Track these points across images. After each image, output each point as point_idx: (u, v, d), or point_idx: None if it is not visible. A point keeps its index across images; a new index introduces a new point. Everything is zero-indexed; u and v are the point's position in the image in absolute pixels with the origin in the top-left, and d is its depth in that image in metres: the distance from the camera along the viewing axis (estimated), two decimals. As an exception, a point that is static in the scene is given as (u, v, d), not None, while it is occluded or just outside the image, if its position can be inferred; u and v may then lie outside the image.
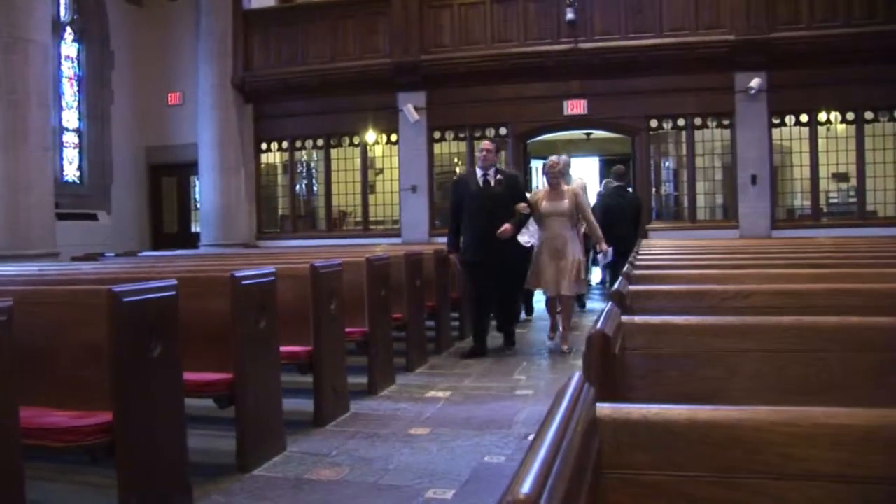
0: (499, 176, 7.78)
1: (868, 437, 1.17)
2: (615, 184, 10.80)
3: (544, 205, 7.93)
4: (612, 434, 1.24)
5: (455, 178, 9.68)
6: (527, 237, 8.60)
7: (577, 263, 7.83)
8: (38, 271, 6.23)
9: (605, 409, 1.25)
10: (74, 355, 3.58)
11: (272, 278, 4.70)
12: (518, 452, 4.51)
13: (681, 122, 12.55)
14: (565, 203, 7.89)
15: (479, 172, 7.85)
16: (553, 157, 8.36)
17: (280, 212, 14.64)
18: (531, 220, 8.44)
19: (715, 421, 1.23)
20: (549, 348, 8.26)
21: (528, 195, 8.13)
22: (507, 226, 7.47)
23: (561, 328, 8.18)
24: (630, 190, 11.29)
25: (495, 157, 8.13)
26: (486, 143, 8.03)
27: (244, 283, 4.38)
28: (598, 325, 1.88)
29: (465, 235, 7.88)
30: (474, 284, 7.92)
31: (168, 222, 15.63)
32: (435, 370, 7.12)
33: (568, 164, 9.58)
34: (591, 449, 1.17)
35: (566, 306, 8.08)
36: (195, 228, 14.87)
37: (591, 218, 8.29)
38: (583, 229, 8.92)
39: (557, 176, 8.03)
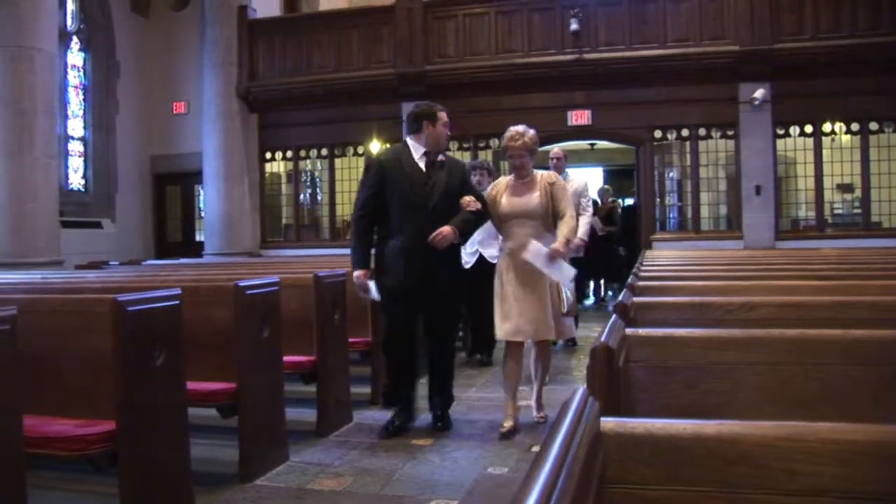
0: (440, 159, 5.32)
1: (875, 454, 1.17)
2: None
3: (505, 201, 5.33)
4: (617, 448, 1.23)
5: (377, 155, 6.14)
6: (494, 250, 6.60)
7: (556, 288, 5.26)
8: (42, 279, 6.23)
9: (609, 423, 1.25)
10: (78, 364, 3.58)
11: (276, 288, 4.70)
12: (521, 463, 4.50)
13: (685, 132, 12.53)
14: (535, 198, 5.26)
15: (415, 148, 5.31)
16: (518, 127, 5.42)
17: (284, 221, 14.64)
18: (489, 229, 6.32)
19: (720, 436, 1.23)
20: (503, 434, 5.15)
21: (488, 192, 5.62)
22: (445, 229, 5.03)
23: (535, 387, 5.61)
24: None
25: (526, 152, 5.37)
26: (442, 114, 5.41)
27: (248, 292, 4.38)
28: (602, 338, 1.88)
29: (385, 244, 5.27)
30: (394, 321, 5.29)
31: (172, 231, 15.64)
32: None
33: (563, 159, 8.38)
34: (596, 463, 1.16)
35: (542, 353, 5.52)
36: (199, 237, 14.88)
37: (572, 212, 5.32)
38: (581, 231, 7.38)
39: (523, 155, 5.32)
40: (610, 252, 12.53)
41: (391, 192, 5.20)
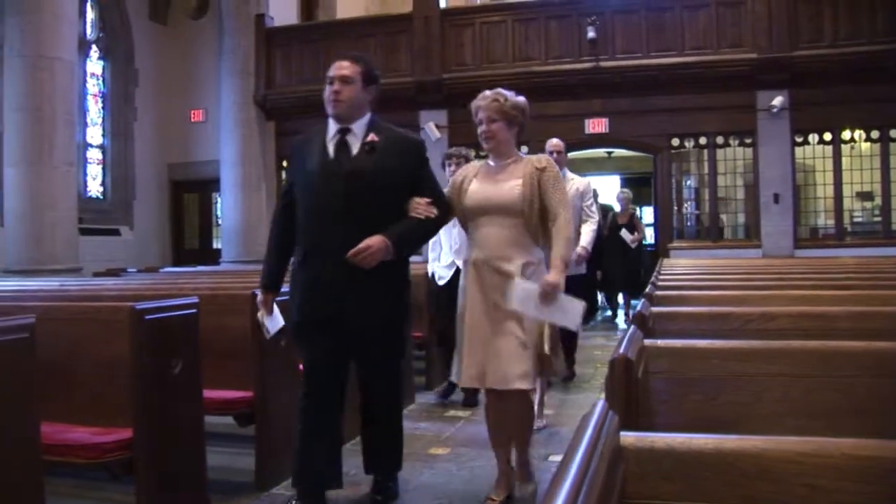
0: (372, 136, 3.78)
1: (899, 470, 1.15)
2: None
3: (473, 190, 3.92)
4: (637, 463, 1.22)
5: (296, 140, 4.19)
6: (454, 257, 6.06)
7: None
8: (60, 287, 6.27)
9: (629, 437, 1.24)
10: (96, 372, 3.59)
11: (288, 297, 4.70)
12: (538, 473, 4.48)
13: (703, 140, 12.50)
14: (514, 187, 3.84)
15: (331, 127, 3.86)
16: (487, 92, 4.06)
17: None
18: (456, 234, 5.68)
19: (741, 450, 1.21)
20: None
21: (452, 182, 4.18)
22: (369, 241, 3.58)
23: (515, 460, 4.10)
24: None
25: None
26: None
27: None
28: (621, 349, 1.87)
29: (296, 260, 3.92)
30: (309, 370, 3.91)
31: (189, 238, 15.72)
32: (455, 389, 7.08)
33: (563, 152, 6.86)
34: (616, 478, 1.15)
35: (517, 407, 3.95)
36: (216, 245, 14.93)
37: (568, 215, 3.85)
38: (584, 239, 6.56)
39: (495, 120, 3.92)
40: (635, 262, 11.78)
41: (298, 188, 3.87)
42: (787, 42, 11.82)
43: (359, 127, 3.81)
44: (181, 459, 3.59)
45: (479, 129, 3.92)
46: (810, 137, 12.17)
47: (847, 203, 12.27)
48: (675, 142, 12.57)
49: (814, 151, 12.33)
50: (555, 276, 3.67)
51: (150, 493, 3.34)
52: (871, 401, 1.97)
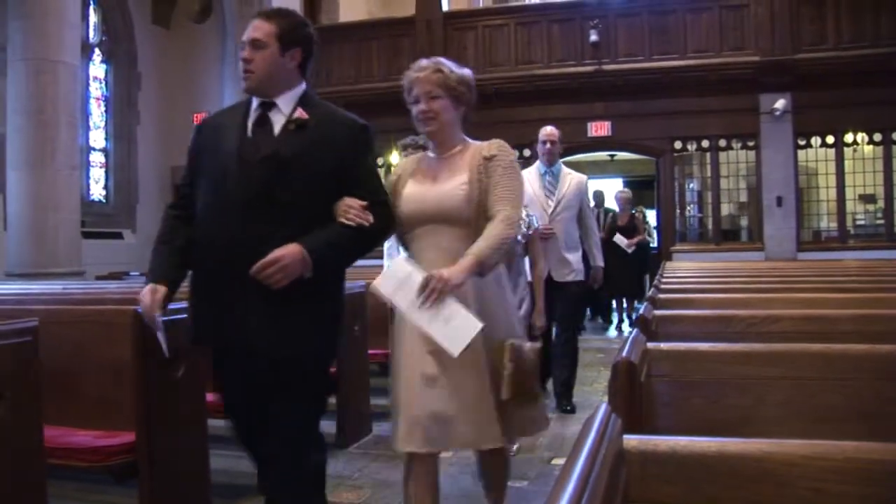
0: (301, 113, 2.92)
1: (903, 473, 1.15)
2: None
3: (408, 193, 3.13)
4: (640, 466, 1.22)
5: (206, 118, 3.39)
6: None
7: (506, 350, 2.91)
8: (63, 290, 6.27)
9: (632, 440, 1.24)
10: (98, 375, 3.60)
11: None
12: (542, 476, 4.48)
13: (705, 143, 12.50)
14: (459, 187, 3.03)
15: (254, 102, 3.02)
16: (424, 62, 3.20)
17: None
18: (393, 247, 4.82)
19: (745, 453, 1.21)
20: None
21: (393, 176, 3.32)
22: (280, 252, 2.70)
23: None
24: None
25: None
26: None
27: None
28: (624, 353, 1.87)
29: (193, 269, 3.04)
30: (225, 404, 3.19)
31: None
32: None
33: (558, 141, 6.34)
34: (619, 481, 1.15)
35: (492, 465, 3.37)
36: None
37: (507, 214, 2.96)
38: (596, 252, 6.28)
39: (436, 97, 3.08)
40: (638, 266, 11.41)
41: (202, 176, 3.00)
42: (790, 45, 11.83)
43: (286, 101, 2.93)
44: (184, 463, 3.58)
45: (415, 110, 3.08)
46: (813, 140, 12.18)
47: (850, 206, 12.27)
48: (678, 145, 12.57)
49: (816, 154, 12.34)
50: (456, 271, 2.73)
51: (154, 496, 3.34)
52: (875, 404, 1.96)
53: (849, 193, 12.22)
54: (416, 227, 3.06)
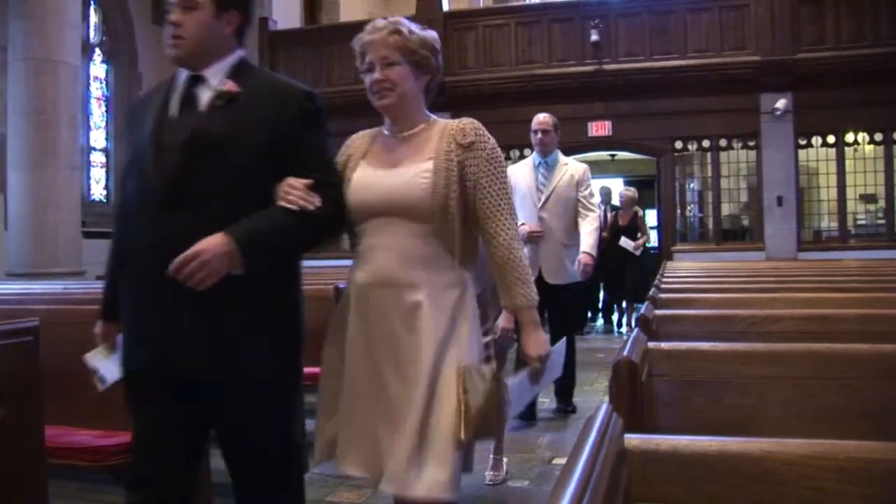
0: (229, 84, 2.41)
1: (905, 473, 1.15)
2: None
3: (357, 178, 2.52)
4: (641, 465, 1.22)
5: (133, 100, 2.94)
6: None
7: (458, 378, 2.33)
8: (64, 290, 6.27)
9: (633, 440, 1.24)
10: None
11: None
12: (542, 476, 4.48)
13: (706, 143, 12.49)
14: (421, 171, 2.45)
15: (180, 76, 2.52)
16: (380, 22, 2.64)
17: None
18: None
19: (746, 453, 1.21)
20: None
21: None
22: (201, 245, 2.18)
23: None
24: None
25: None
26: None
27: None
28: (626, 352, 1.87)
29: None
30: (134, 449, 2.47)
31: (193, 241, 15.70)
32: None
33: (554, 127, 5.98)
34: (620, 481, 1.15)
35: None
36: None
37: (509, 228, 2.48)
38: (590, 241, 5.63)
39: (392, 64, 2.51)
40: (640, 266, 10.89)
41: (127, 165, 2.56)
42: (791, 44, 11.82)
43: (215, 73, 2.45)
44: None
45: (369, 80, 2.54)
46: (814, 140, 12.16)
47: (850, 206, 12.26)
48: (679, 144, 12.56)
49: (817, 154, 12.32)
50: (539, 341, 2.51)
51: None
52: (875, 403, 1.96)
53: (849, 193, 12.20)
54: (365, 221, 2.48)
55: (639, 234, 10.99)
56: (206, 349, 2.31)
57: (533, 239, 5.49)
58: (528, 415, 5.63)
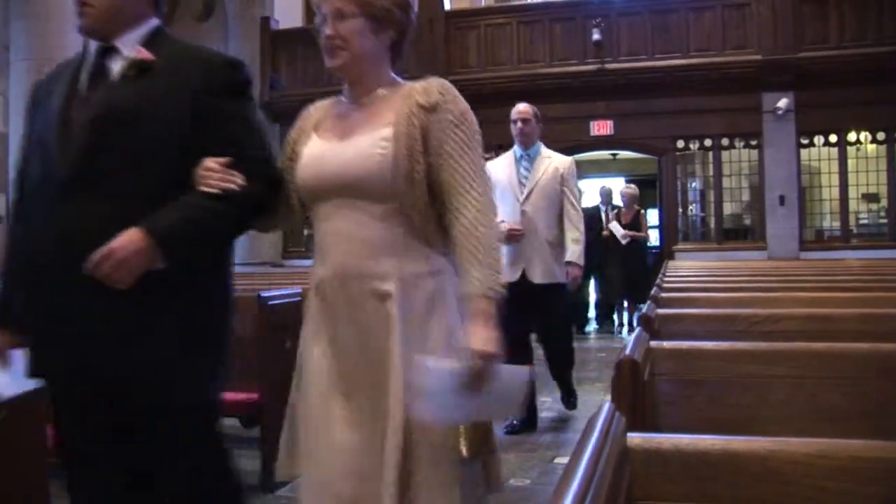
0: (142, 52, 2.17)
1: (908, 472, 1.15)
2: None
3: (308, 153, 2.17)
4: (644, 465, 1.22)
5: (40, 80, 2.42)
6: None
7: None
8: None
9: (636, 438, 1.24)
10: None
11: (298, 299, 4.70)
12: (544, 475, 4.48)
13: (707, 142, 12.48)
14: (377, 145, 2.04)
15: (91, 48, 2.24)
16: None
17: (306, 231, 14.66)
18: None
19: (749, 452, 1.21)
20: None
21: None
22: (116, 242, 1.96)
23: None
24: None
25: None
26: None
27: (271, 303, 4.39)
28: (628, 351, 1.87)
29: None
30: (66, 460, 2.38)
31: (195, 240, 15.69)
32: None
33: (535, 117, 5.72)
34: (623, 480, 1.15)
35: None
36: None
37: (479, 200, 2.02)
38: (577, 249, 5.30)
39: (345, 16, 2.12)
40: (637, 263, 10.70)
41: (30, 149, 2.29)
42: (793, 44, 11.81)
43: (128, 43, 2.19)
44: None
45: (322, 37, 2.22)
46: (816, 139, 12.15)
47: (853, 205, 12.24)
48: (680, 144, 12.55)
49: (819, 153, 12.31)
50: (484, 337, 1.92)
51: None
52: (878, 403, 1.96)
53: (852, 192, 12.19)
54: (317, 205, 2.12)
55: (641, 229, 10.89)
56: (110, 349, 2.08)
57: (513, 238, 5.09)
58: (529, 422, 5.39)
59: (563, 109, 12.40)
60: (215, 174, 2.07)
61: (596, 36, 12.31)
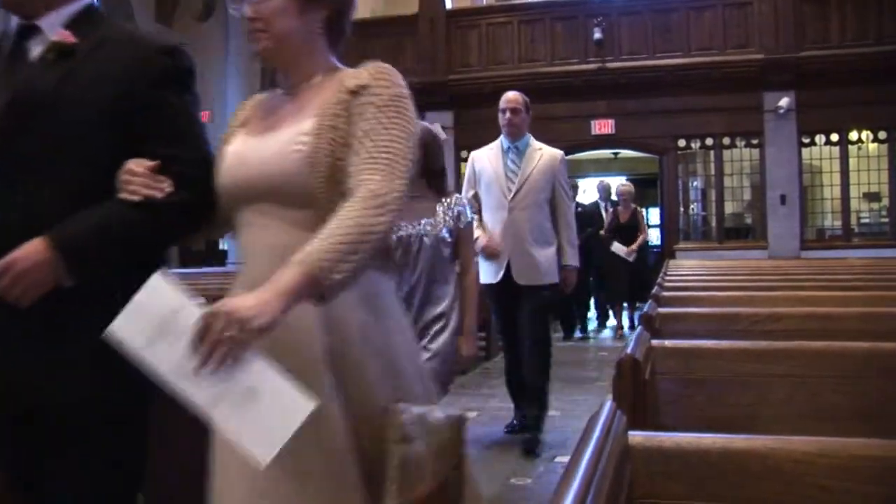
0: (64, 34, 1.86)
1: (908, 470, 1.15)
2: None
3: (232, 151, 1.82)
4: (645, 463, 1.22)
5: None
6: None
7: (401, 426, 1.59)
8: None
9: (637, 437, 1.24)
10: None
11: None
12: (545, 474, 4.48)
13: (709, 141, 12.49)
14: (295, 141, 1.69)
15: (12, 25, 1.94)
16: None
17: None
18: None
19: (750, 450, 1.21)
20: None
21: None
22: (17, 254, 1.67)
23: None
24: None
25: None
26: None
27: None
28: (629, 350, 1.87)
29: None
30: None
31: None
32: (462, 389, 7.08)
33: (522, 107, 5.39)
34: (624, 478, 1.15)
35: None
36: (223, 246, 14.95)
37: (375, 182, 1.60)
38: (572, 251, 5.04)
39: (266, 25, 1.82)
40: (638, 263, 10.29)
41: None
42: (794, 43, 11.81)
43: (52, 22, 1.91)
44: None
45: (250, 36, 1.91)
46: (817, 138, 12.15)
47: (854, 204, 12.25)
48: (682, 143, 12.55)
49: (821, 152, 12.31)
50: (261, 302, 1.47)
51: (157, 490, 3.35)
52: (878, 402, 1.97)
53: (853, 192, 12.19)
54: (239, 211, 1.80)
55: (638, 233, 10.40)
56: (14, 372, 1.79)
57: (491, 255, 4.62)
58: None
59: (564, 108, 12.40)
60: (137, 179, 1.76)
61: (597, 35, 12.31)
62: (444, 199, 3.41)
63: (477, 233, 4.25)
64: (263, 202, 1.73)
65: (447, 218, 3.38)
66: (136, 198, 1.75)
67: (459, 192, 4.61)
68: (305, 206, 1.68)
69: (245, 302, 1.46)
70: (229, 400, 1.46)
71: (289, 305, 1.48)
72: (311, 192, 1.66)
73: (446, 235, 3.37)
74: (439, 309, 3.32)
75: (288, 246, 1.60)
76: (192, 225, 1.92)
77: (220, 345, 1.43)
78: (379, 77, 1.75)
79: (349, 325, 1.68)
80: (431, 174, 3.41)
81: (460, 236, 3.46)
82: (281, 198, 1.70)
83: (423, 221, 3.33)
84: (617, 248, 10.14)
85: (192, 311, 1.50)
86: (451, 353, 3.36)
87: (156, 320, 1.51)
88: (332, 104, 1.71)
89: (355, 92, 1.72)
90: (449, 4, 13.76)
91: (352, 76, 1.77)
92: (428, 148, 3.25)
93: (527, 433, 4.98)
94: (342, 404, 1.62)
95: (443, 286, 3.37)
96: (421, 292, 3.29)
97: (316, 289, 1.51)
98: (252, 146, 1.78)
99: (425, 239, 3.31)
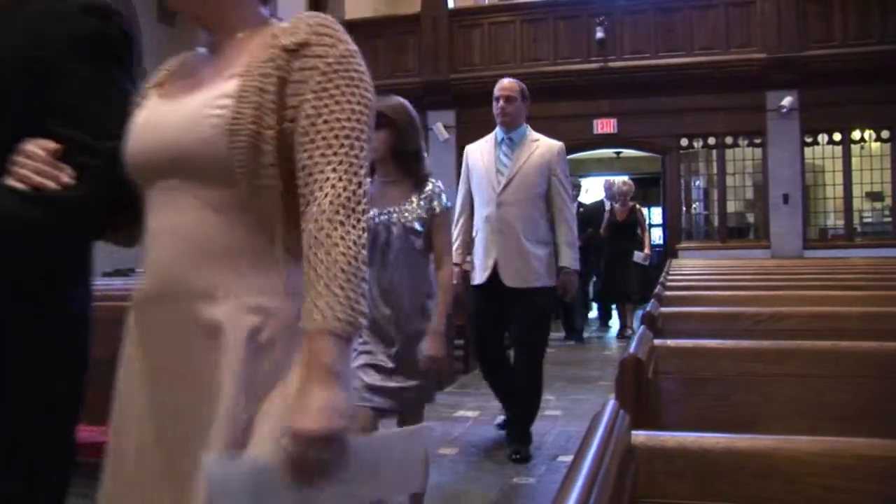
0: None
1: (913, 470, 1.15)
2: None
3: (142, 116, 1.50)
4: (648, 462, 1.22)
5: None
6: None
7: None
8: (123, 285, 6.28)
9: (640, 436, 1.24)
10: (104, 371, 3.60)
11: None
12: (548, 473, 4.48)
13: (711, 140, 12.47)
14: (212, 103, 1.39)
15: None
16: None
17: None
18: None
19: (753, 450, 1.21)
20: None
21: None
22: None
23: None
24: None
25: None
26: None
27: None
28: (632, 349, 1.87)
29: None
30: None
31: (198, 239, 15.71)
32: (464, 389, 7.09)
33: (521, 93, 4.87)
34: (627, 478, 1.15)
35: None
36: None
37: (342, 183, 1.34)
38: (571, 252, 4.67)
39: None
40: (641, 267, 10.30)
41: None
42: (797, 42, 11.79)
43: None
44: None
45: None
46: (820, 138, 12.14)
47: (857, 203, 12.23)
48: (684, 142, 12.54)
49: (823, 152, 12.30)
50: (315, 406, 1.25)
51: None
52: (882, 401, 1.96)
53: (856, 191, 12.18)
54: (147, 190, 1.50)
55: (638, 231, 10.43)
56: None
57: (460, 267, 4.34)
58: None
59: (566, 108, 12.39)
60: (31, 164, 1.46)
61: (600, 34, 12.30)
62: (420, 185, 3.13)
63: (456, 257, 4.04)
64: (173, 178, 1.43)
65: (420, 204, 3.12)
66: (23, 187, 1.45)
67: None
68: (222, 185, 1.40)
69: (304, 417, 1.25)
70: (361, 483, 1.34)
71: (339, 378, 1.28)
72: (229, 167, 1.38)
73: (416, 225, 3.10)
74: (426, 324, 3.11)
75: (195, 228, 1.41)
76: (96, 225, 1.63)
77: (320, 470, 1.26)
78: (321, 33, 1.47)
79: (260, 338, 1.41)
80: (403, 156, 3.14)
81: (434, 224, 3.16)
82: (193, 173, 1.42)
83: (389, 209, 3.09)
84: (637, 257, 10.16)
85: (267, 470, 1.27)
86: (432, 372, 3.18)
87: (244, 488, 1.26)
88: (262, 62, 1.43)
89: (293, 51, 1.44)
90: (451, 3, 13.77)
91: (287, 31, 1.49)
92: (398, 126, 3.09)
93: (512, 444, 4.79)
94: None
95: (429, 302, 3.16)
96: (407, 299, 3.07)
97: (345, 347, 1.30)
98: (164, 111, 1.49)
99: (393, 228, 3.08)
